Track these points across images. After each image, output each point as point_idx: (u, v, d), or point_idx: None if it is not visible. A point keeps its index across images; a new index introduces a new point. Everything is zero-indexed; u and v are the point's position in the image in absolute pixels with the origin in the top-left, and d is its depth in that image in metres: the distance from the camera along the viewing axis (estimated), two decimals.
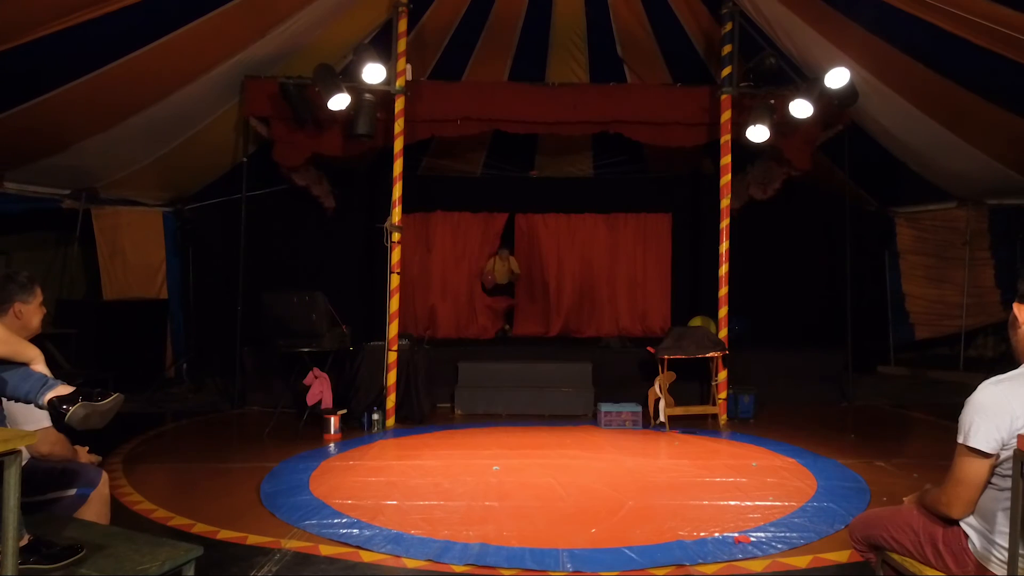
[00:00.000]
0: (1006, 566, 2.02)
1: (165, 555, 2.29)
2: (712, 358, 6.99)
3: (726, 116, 7.12)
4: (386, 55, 6.84)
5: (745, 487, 4.73)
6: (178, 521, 4.04)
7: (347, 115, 6.89)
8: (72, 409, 2.16)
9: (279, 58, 7.02)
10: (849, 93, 6.70)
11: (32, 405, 2.26)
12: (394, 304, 6.84)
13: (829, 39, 6.71)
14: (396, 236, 6.83)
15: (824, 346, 8.35)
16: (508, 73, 8.38)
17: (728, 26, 7.01)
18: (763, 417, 7.11)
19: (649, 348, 7.06)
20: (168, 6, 5.66)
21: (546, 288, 9.63)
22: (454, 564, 3.44)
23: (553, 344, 9.14)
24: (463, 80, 8.26)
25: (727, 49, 7.05)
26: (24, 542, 2.15)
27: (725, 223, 7.13)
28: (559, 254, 9.70)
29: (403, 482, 4.82)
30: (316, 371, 6.62)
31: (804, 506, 4.33)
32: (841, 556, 3.52)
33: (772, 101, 7.00)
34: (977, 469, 2.05)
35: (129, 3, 5.21)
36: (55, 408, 2.18)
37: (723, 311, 7.13)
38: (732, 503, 4.40)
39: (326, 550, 3.63)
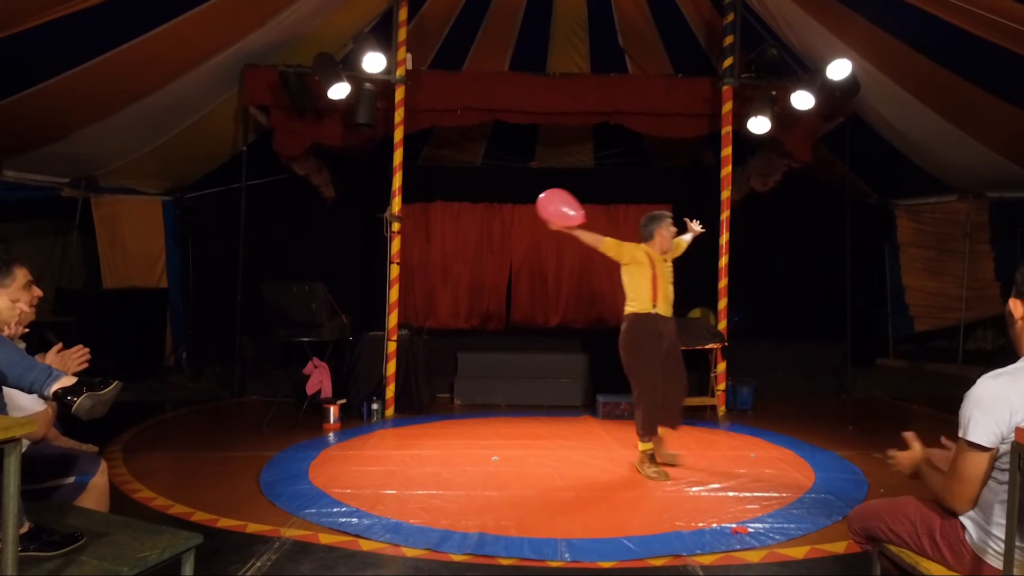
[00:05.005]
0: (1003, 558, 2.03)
1: (165, 543, 2.30)
2: (711, 350, 7.00)
3: (727, 107, 7.10)
4: (386, 44, 6.81)
5: (743, 478, 4.75)
6: (178, 509, 4.05)
7: (347, 104, 6.87)
8: (79, 401, 2.18)
9: (279, 47, 6.99)
10: (851, 85, 6.67)
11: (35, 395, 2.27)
12: (394, 294, 6.84)
13: (831, 30, 6.68)
14: (396, 226, 6.83)
15: (823, 338, 8.36)
16: (509, 63, 8.35)
17: (730, 16, 6.98)
18: (761, 409, 7.13)
19: None
20: None
21: (545, 279, 9.60)
22: (453, 553, 3.45)
23: (552, 335, 9.14)
24: (464, 70, 8.22)
25: (729, 40, 7.02)
26: (24, 529, 2.16)
27: (725, 215, 7.13)
28: (559, 245, 9.66)
29: (402, 471, 4.84)
30: (315, 360, 6.63)
31: (802, 497, 4.35)
32: (838, 547, 3.54)
33: (773, 92, 6.97)
34: (977, 464, 2.05)
35: None
36: (61, 400, 2.21)
37: (722, 303, 7.14)
38: (730, 494, 4.42)
39: (325, 539, 3.64)
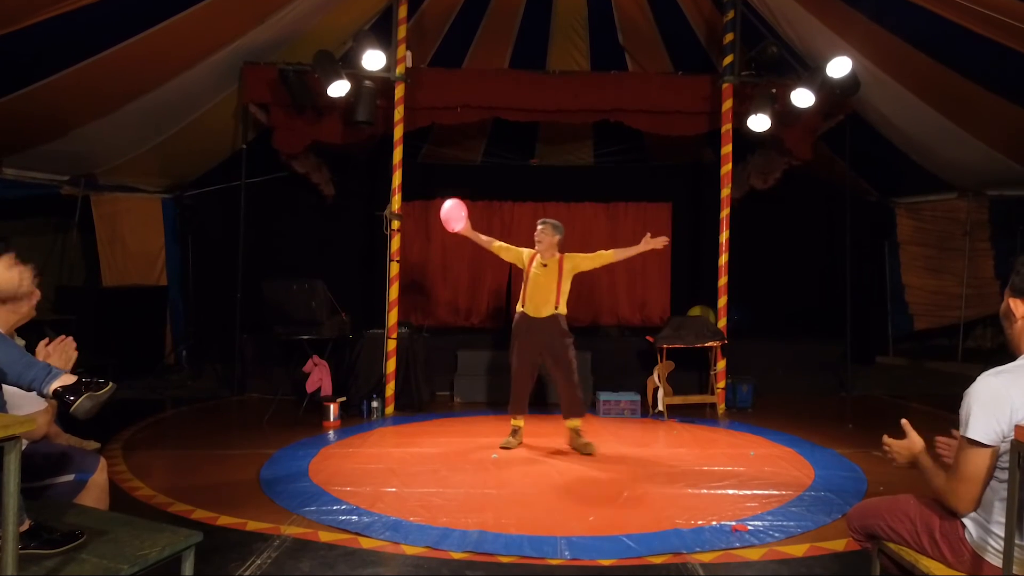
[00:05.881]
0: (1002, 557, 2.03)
1: (165, 541, 2.30)
2: (711, 347, 7.00)
3: (727, 105, 7.10)
4: (386, 42, 6.80)
5: (743, 476, 4.75)
6: (178, 507, 4.06)
7: (347, 102, 6.87)
8: (79, 401, 2.20)
9: (279, 44, 6.98)
10: (851, 82, 6.66)
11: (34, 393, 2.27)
12: (394, 292, 6.84)
13: (831, 28, 6.67)
14: (396, 224, 6.83)
15: (823, 336, 8.36)
16: (509, 61, 8.34)
17: (730, 14, 6.97)
18: (761, 406, 7.13)
19: (648, 337, 7.07)
20: None
21: None
22: (452, 551, 3.46)
23: None
24: (463, 67, 8.21)
25: (729, 37, 7.01)
26: (24, 527, 2.16)
27: (725, 213, 7.13)
28: None
29: (402, 469, 4.84)
30: (316, 358, 6.63)
31: (801, 495, 4.35)
32: (838, 545, 3.54)
33: (773, 90, 6.97)
34: (979, 462, 2.04)
35: None
36: (61, 398, 2.22)
37: (722, 301, 7.14)
38: (729, 492, 4.42)
39: (325, 536, 3.65)
